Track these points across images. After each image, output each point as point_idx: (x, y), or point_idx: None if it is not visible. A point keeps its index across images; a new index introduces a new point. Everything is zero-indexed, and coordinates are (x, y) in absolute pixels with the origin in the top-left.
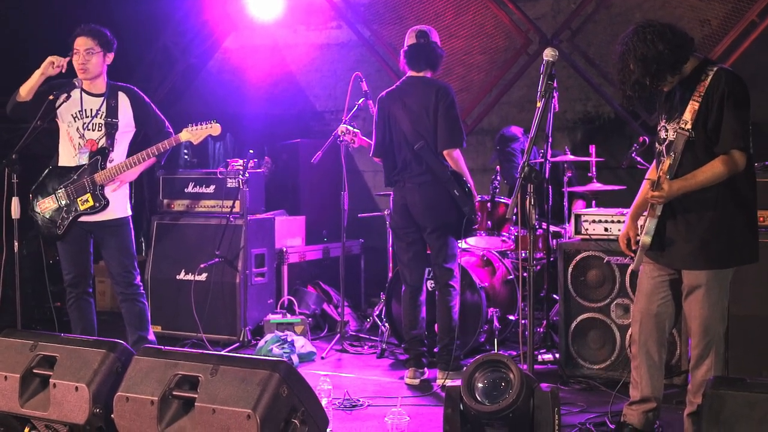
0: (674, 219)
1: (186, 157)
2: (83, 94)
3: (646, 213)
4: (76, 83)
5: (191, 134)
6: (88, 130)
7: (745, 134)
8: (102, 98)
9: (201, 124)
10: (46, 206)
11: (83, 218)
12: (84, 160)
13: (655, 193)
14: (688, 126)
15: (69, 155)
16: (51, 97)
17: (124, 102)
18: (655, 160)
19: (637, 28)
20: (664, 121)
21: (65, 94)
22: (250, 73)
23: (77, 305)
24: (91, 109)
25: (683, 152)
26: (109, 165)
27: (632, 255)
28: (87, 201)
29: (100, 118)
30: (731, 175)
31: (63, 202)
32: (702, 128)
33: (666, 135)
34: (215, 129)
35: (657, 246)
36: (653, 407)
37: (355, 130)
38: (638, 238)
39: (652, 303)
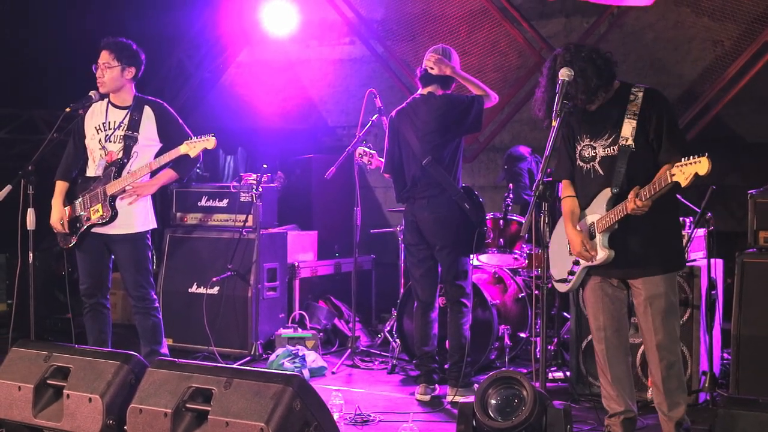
0: (625, 228)
1: (198, 170)
2: (110, 106)
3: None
4: (93, 96)
5: (189, 147)
6: (110, 142)
7: (686, 141)
8: (126, 111)
9: (199, 138)
10: (67, 215)
11: (98, 230)
12: (101, 171)
13: (641, 203)
14: (629, 142)
15: (90, 167)
16: (68, 110)
17: (148, 116)
18: (568, 180)
19: (576, 47)
20: (588, 139)
21: (82, 108)
22: (263, 88)
23: (90, 316)
24: (115, 121)
25: (627, 165)
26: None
27: (588, 256)
28: (98, 211)
29: (122, 130)
30: None
31: (80, 212)
32: (643, 142)
33: (594, 152)
34: (210, 142)
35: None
36: (630, 416)
37: (372, 151)
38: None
39: (614, 318)
